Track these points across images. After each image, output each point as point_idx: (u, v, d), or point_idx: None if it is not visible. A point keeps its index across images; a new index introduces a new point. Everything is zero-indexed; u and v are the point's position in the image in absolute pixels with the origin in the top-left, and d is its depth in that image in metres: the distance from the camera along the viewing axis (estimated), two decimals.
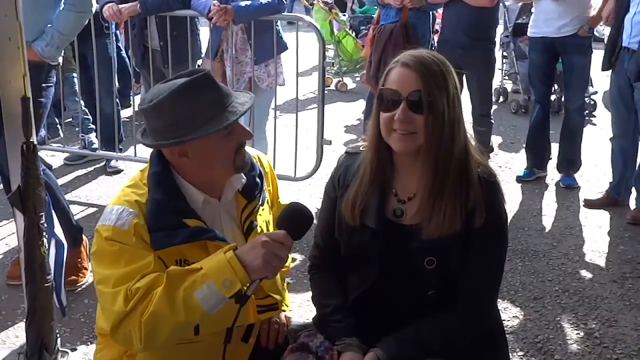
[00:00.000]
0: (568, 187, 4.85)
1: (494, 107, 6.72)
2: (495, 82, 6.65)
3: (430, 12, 5.18)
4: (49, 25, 3.12)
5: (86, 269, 3.41)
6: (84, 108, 5.16)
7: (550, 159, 5.16)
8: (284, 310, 2.00)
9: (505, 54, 7.17)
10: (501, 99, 7.28)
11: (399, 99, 1.63)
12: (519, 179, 4.99)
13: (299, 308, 3.13)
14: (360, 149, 1.81)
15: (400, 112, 1.63)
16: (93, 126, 5.09)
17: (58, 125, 5.53)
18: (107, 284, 1.62)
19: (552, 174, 5.09)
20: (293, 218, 1.65)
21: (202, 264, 1.59)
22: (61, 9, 3.14)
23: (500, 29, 6.80)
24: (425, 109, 1.61)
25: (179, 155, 1.69)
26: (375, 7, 6.16)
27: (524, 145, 5.13)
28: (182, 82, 1.65)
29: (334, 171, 1.86)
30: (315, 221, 1.73)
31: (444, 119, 1.63)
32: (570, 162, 4.92)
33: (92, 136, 5.10)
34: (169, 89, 1.64)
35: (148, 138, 1.71)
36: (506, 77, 7.37)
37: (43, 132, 4.78)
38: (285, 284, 2.11)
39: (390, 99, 1.65)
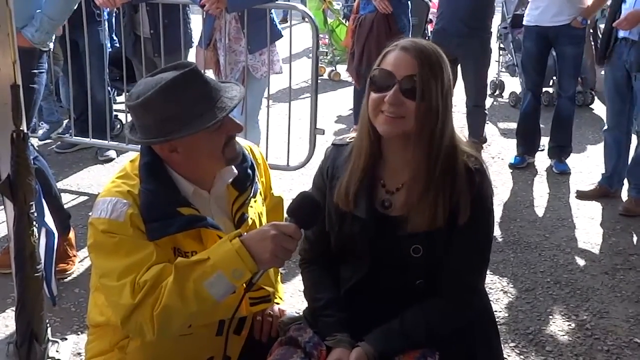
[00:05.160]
0: (561, 173, 4.91)
1: (489, 99, 6.71)
2: (492, 75, 6.64)
3: (409, 4, 5.16)
4: (38, 11, 3.09)
5: (75, 256, 3.39)
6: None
7: (542, 149, 5.18)
8: (278, 303, 1.99)
9: (502, 45, 7.04)
10: (497, 92, 7.17)
11: (392, 82, 1.62)
12: (511, 166, 5.03)
13: (291, 298, 3.12)
14: (347, 140, 1.80)
15: (392, 94, 1.61)
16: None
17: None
18: (111, 278, 1.60)
19: (544, 164, 5.10)
20: (305, 208, 1.63)
21: (209, 253, 1.58)
22: None
23: (497, 21, 6.77)
24: (418, 95, 1.60)
25: (168, 150, 1.68)
26: None
27: (515, 133, 5.17)
28: (169, 79, 1.61)
29: (322, 163, 1.85)
30: None
31: (437, 108, 1.61)
32: (561, 148, 5.00)
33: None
34: (156, 85, 1.61)
35: (137, 134, 1.69)
36: (503, 70, 7.24)
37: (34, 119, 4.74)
38: (279, 276, 2.10)
39: (383, 80, 1.64)
